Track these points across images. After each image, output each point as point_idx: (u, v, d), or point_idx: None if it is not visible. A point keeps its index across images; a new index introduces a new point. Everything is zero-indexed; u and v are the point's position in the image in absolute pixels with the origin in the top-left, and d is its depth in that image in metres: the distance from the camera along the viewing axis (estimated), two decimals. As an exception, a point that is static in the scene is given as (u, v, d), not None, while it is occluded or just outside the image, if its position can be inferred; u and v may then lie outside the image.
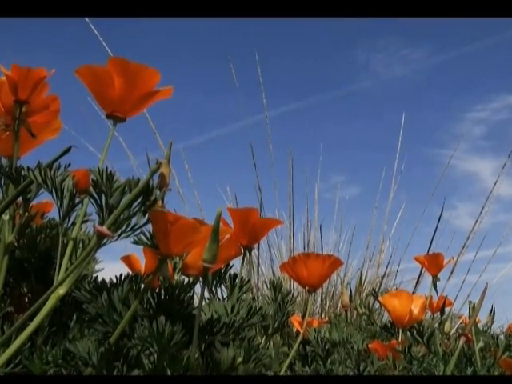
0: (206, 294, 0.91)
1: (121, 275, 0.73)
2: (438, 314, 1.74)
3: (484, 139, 4.40)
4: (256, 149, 2.67)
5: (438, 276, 1.57)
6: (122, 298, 0.68)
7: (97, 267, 0.84)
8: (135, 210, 0.62)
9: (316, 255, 0.96)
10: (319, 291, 2.36)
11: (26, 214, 0.79)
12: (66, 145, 0.77)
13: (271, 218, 1.83)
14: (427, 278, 2.32)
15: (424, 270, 1.73)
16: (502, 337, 1.20)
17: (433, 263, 1.55)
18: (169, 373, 0.65)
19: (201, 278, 0.78)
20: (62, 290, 0.61)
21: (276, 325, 1.03)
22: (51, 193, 0.67)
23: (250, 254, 1.00)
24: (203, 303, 0.73)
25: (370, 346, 1.16)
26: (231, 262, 0.93)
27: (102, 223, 0.61)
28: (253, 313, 0.75)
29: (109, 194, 0.61)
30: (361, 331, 1.34)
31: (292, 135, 4.18)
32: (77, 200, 0.68)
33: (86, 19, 2.37)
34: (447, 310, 1.95)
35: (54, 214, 0.96)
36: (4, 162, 0.77)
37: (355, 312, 1.84)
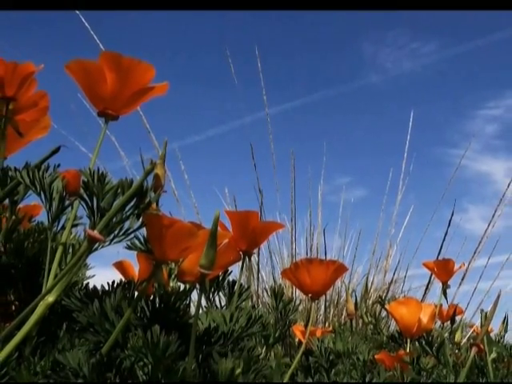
0: (203, 302, 0.91)
1: (113, 282, 0.73)
2: (449, 322, 1.75)
3: (497, 138, 4.41)
4: (256, 148, 2.68)
5: (449, 283, 1.57)
6: (114, 307, 0.68)
7: (88, 274, 0.85)
8: (128, 213, 0.62)
9: (319, 261, 0.96)
10: (323, 299, 2.36)
11: (13, 217, 0.79)
12: (56, 144, 0.77)
13: (272, 221, 1.83)
14: (437, 285, 2.32)
15: (433, 276, 1.73)
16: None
17: (443, 269, 1.55)
18: (164, 385, 0.65)
19: (197, 285, 0.78)
20: (51, 298, 0.62)
21: (277, 334, 1.03)
22: (39, 195, 0.67)
23: (250, 260, 1.00)
24: (200, 312, 0.73)
25: (376, 356, 1.17)
26: (230, 268, 0.93)
27: (93, 227, 0.61)
28: (252, 322, 0.75)
29: (100, 196, 0.61)
30: (367, 341, 1.34)
31: (294, 134, 4.19)
32: (67, 202, 0.68)
33: (77, 12, 2.38)
34: (458, 318, 1.94)
35: (42, 217, 0.97)
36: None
37: (361, 321, 1.84)
